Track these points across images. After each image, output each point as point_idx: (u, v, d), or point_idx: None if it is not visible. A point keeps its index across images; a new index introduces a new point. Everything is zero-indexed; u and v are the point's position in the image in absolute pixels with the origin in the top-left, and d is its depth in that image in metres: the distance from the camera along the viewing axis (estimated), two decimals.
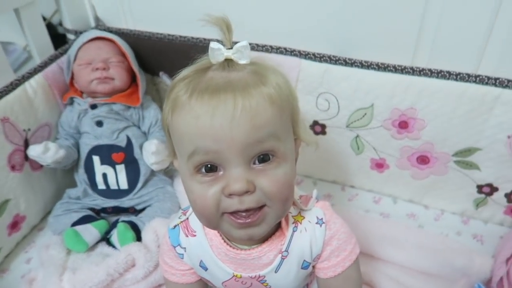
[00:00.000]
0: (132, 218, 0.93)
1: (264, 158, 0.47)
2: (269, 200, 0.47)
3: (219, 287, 0.60)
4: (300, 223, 0.55)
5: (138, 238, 0.88)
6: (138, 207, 0.98)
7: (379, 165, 0.97)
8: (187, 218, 0.59)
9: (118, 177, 0.96)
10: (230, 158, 0.46)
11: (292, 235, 0.55)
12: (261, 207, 0.47)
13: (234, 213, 0.47)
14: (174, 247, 0.59)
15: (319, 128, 0.96)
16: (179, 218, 0.61)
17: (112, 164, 0.95)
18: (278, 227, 0.55)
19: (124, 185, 0.96)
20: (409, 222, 0.95)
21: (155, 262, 0.79)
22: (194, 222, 0.57)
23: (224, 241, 0.55)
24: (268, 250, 0.54)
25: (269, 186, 0.47)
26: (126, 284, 0.78)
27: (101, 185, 0.96)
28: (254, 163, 0.47)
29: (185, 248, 0.59)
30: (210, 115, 0.45)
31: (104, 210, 0.98)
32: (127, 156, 0.96)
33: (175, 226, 0.60)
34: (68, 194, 0.99)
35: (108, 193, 0.97)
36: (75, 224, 0.90)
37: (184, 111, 0.47)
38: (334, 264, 0.56)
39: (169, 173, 1.03)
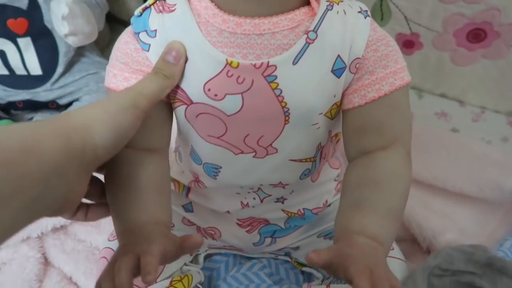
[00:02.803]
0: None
1: None
2: None
3: (198, 96, 0.39)
4: (337, 4, 0.38)
5: None
6: (62, 101, 0.71)
7: (408, 44, 0.70)
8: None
9: (25, 56, 0.67)
10: None
11: (324, 14, 0.37)
12: None
13: None
14: (137, 33, 0.40)
15: None
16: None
17: (11, 37, 0.65)
18: (304, 2, 0.38)
19: (35, 69, 0.68)
20: (438, 124, 0.73)
21: None
22: None
23: (220, 10, 0.37)
24: (287, 25, 0.36)
25: None
26: None
27: (0, 69, 0.66)
28: None
29: (155, 31, 0.39)
30: None
31: (12, 105, 0.71)
32: (32, 25, 0.65)
33: (144, 10, 0.40)
34: None
35: (14, 80, 0.69)
36: None
37: None
38: (380, 78, 0.38)
39: (106, 51, 0.75)
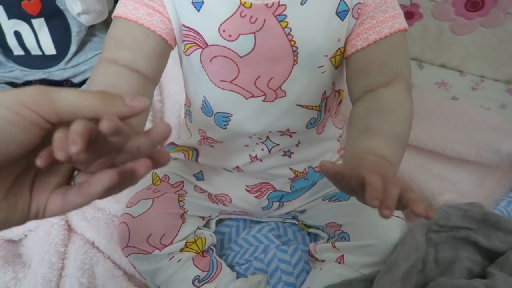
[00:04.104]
0: None
1: None
2: None
3: (213, 38, 0.40)
4: None
5: None
6: (75, 80, 0.73)
7: (409, 15, 0.71)
8: None
9: (39, 37, 0.68)
10: None
11: None
12: None
13: None
14: None
15: None
16: None
17: (26, 18, 0.67)
18: None
19: (50, 49, 0.69)
20: (439, 93, 0.74)
21: None
22: None
23: None
24: None
25: None
26: None
27: (17, 50, 0.69)
28: None
29: None
30: None
31: (28, 84, 0.72)
32: (45, 5, 0.66)
33: None
34: None
35: (29, 60, 0.71)
36: None
37: None
38: (380, 22, 0.41)
39: None
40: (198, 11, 0.40)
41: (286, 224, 0.62)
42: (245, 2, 0.38)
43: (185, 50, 0.43)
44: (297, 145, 0.50)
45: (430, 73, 0.76)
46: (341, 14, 0.40)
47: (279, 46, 0.40)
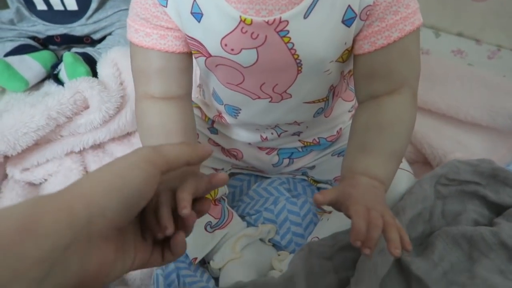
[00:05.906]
0: (87, 49, 0.70)
1: None
2: None
3: (216, 50, 0.40)
4: None
5: (95, 75, 0.66)
6: (96, 36, 0.75)
7: None
8: None
9: None
10: None
11: None
12: None
13: None
14: None
15: None
16: None
17: None
18: None
19: (72, 4, 0.71)
20: (454, 61, 0.74)
21: (116, 104, 0.59)
22: None
23: None
24: None
25: None
26: (79, 130, 0.60)
27: (40, 5, 0.71)
28: None
29: None
30: None
31: (50, 39, 0.75)
32: None
33: None
34: None
35: (52, 15, 0.73)
36: (8, 55, 0.67)
37: None
38: (390, 25, 0.38)
39: None
40: (199, 22, 0.39)
41: (296, 180, 0.63)
42: (245, 19, 0.36)
43: (193, 52, 0.43)
44: (305, 128, 0.51)
45: (446, 41, 0.76)
46: (348, 21, 0.38)
47: (282, 59, 0.39)
